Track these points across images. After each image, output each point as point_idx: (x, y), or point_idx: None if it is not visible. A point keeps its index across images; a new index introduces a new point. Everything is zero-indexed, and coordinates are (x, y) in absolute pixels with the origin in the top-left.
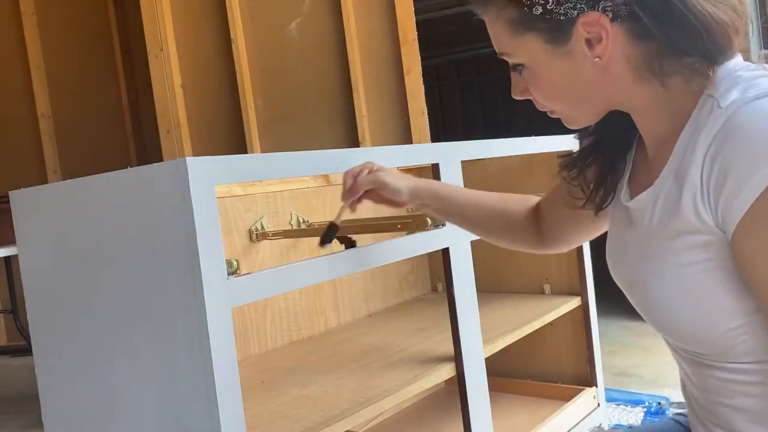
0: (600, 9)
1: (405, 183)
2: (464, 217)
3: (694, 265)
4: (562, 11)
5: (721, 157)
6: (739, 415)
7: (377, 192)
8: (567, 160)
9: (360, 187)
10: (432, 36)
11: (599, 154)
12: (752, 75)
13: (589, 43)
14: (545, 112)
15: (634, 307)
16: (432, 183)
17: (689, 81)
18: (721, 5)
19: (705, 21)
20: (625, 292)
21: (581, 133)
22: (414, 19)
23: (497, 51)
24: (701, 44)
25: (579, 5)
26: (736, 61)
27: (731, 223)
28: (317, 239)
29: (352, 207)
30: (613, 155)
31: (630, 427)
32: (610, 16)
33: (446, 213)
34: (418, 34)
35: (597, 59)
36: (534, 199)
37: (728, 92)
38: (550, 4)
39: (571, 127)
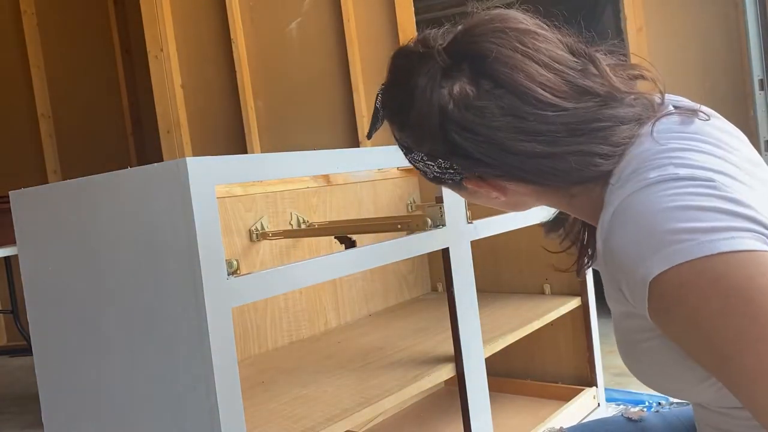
0: (476, 175)
1: None
2: None
3: (644, 342)
4: (447, 178)
5: (609, 257)
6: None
7: None
8: (548, 222)
9: None
10: None
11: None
12: (653, 152)
13: (485, 189)
14: None
15: None
16: None
17: (585, 187)
18: (548, 135)
19: (543, 166)
20: None
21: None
22: (414, 19)
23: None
24: (568, 178)
25: (458, 174)
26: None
27: (645, 312)
28: (317, 239)
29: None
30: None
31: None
32: (488, 177)
33: None
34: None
35: (495, 196)
36: None
37: (614, 190)
38: (437, 174)
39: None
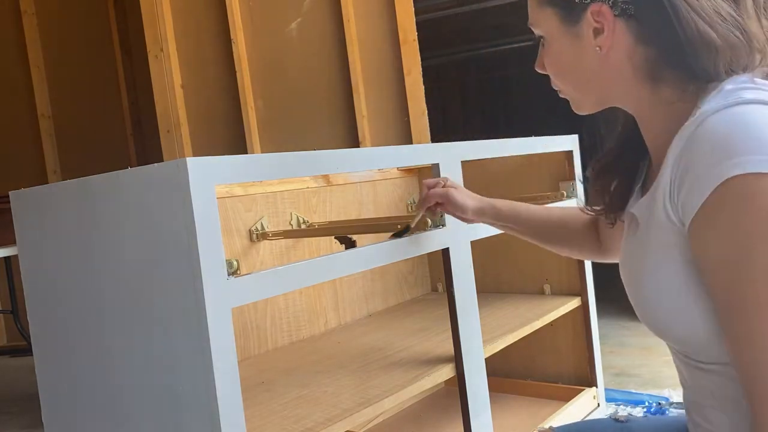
0: (609, 2)
1: (471, 202)
2: (526, 233)
3: (671, 265)
4: None
5: (686, 158)
6: (727, 418)
7: (445, 206)
8: (601, 164)
9: (431, 198)
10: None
11: (623, 160)
12: (735, 87)
13: (596, 31)
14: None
15: (633, 307)
16: (496, 203)
17: (684, 93)
18: (723, 26)
19: (699, 41)
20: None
21: (606, 133)
22: (414, 20)
23: (528, 21)
24: (696, 62)
25: None
26: (737, 77)
27: (687, 219)
28: (317, 239)
29: (424, 215)
30: (633, 161)
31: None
32: (617, 12)
33: (509, 229)
34: (418, 35)
35: (597, 48)
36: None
37: (708, 103)
38: None
39: (576, 111)
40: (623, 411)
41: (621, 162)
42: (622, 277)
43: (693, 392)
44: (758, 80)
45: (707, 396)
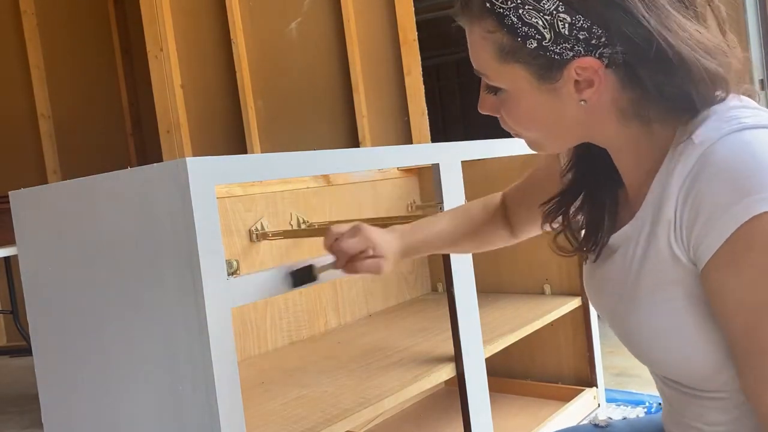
0: (597, 55)
1: (390, 248)
2: (445, 248)
3: (672, 302)
4: (557, 50)
5: (694, 193)
6: None
7: (368, 251)
8: (549, 207)
9: (348, 250)
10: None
11: (590, 192)
12: (726, 107)
13: (577, 85)
14: None
15: (616, 336)
16: (406, 238)
17: (672, 125)
18: (717, 58)
19: (699, 75)
20: (606, 321)
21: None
22: (414, 19)
23: (474, 67)
24: (690, 95)
25: (576, 48)
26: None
27: (702, 260)
28: (317, 239)
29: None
30: (604, 190)
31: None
32: (606, 62)
33: (431, 252)
34: (418, 34)
35: (582, 102)
36: (496, 198)
37: (701, 126)
38: (546, 41)
39: (536, 151)
40: (612, 414)
41: (588, 193)
42: (594, 305)
43: (678, 412)
44: (745, 99)
45: (694, 418)
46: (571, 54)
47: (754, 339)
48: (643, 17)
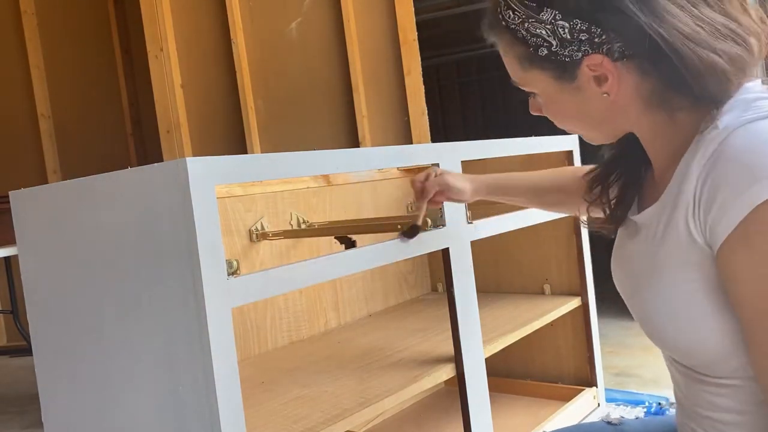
0: (603, 51)
1: (468, 185)
2: (525, 200)
3: (688, 283)
4: (566, 53)
5: (711, 178)
6: (728, 430)
7: (444, 193)
8: (592, 176)
9: (429, 189)
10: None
11: (623, 170)
12: (753, 97)
13: (597, 80)
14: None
15: (633, 316)
16: (489, 178)
17: (696, 112)
18: (723, 44)
19: (703, 69)
20: (625, 301)
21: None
22: (414, 19)
23: (510, 77)
24: (704, 86)
25: (583, 48)
26: (747, 85)
27: (717, 242)
28: (317, 239)
29: (426, 208)
30: (635, 170)
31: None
32: (614, 57)
33: (508, 200)
34: (418, 34)
35: (605, 94)
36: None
37: (726, 114)
38: (554, 47)
39: (591, 143)
40: (615, 413)
41: (621, 170)
42: (617, 284)
43: (690, 402)
44: None
45: (706, 407)
46: (579, 54)
47: (766, 322)
48: (634, 13)
